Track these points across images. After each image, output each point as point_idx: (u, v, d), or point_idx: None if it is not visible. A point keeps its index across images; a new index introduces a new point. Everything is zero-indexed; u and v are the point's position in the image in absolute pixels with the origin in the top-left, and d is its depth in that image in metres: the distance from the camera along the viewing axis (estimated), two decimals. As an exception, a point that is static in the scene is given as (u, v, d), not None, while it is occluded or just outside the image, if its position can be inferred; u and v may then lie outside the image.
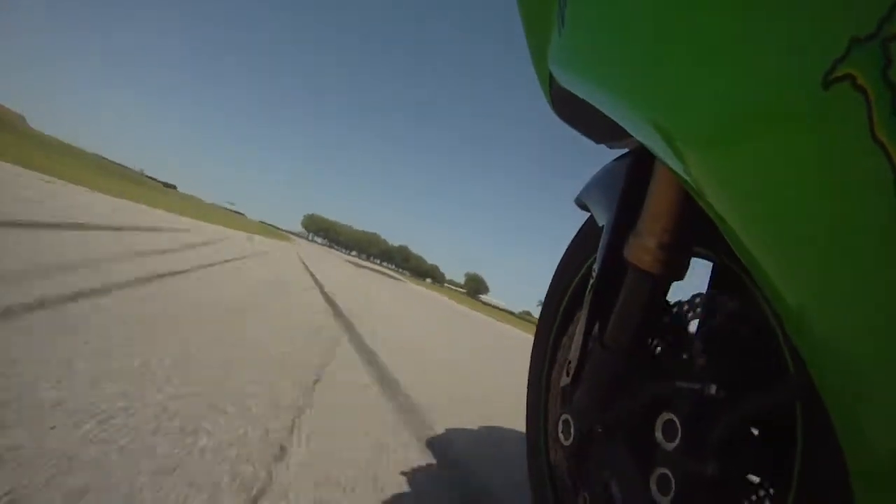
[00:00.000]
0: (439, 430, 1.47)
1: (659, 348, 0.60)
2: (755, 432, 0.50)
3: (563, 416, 0.65)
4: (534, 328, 0.99)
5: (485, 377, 3.11)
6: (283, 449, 0.95)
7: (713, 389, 0.47)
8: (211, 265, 3.30)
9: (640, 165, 0.65)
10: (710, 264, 0.59)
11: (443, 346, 3.94)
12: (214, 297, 2.22)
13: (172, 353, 1.24)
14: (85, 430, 0.75)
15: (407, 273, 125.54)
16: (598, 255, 0.66)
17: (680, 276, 0.55)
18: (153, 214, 5.98)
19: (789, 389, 0.44)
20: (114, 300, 1.51)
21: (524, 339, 9.43)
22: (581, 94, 0.55)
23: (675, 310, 0.61)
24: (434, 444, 1.33)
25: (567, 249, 0.90)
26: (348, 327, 2.83)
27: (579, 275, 0.84)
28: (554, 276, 0.91)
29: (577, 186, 0.84)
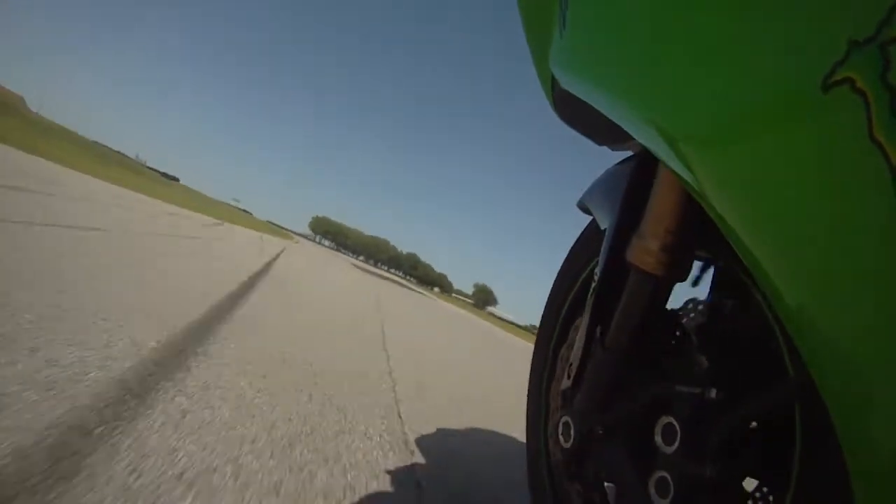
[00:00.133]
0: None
1: (660, 351, 0.60)
2: (754, 434, 0.49)
3: (564, 418, 0.66)
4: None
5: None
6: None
7: (713, 393, 0.47)
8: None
9: (642, 169, 0.65)
10: (712, 268, 0.59)
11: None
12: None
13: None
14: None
15: (414, 280, 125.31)
16: (601, 257, 0.66)
17: (682, 278, 0.54)
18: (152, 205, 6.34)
19: (788, 391, 0.44)
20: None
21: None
22: (582, 96, 0.55)
23: (676, 312, 0.60)
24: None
25: (569, 253, 0.90)
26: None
27: (581, 278, 0.84)
28: (556, 280, 0.91)
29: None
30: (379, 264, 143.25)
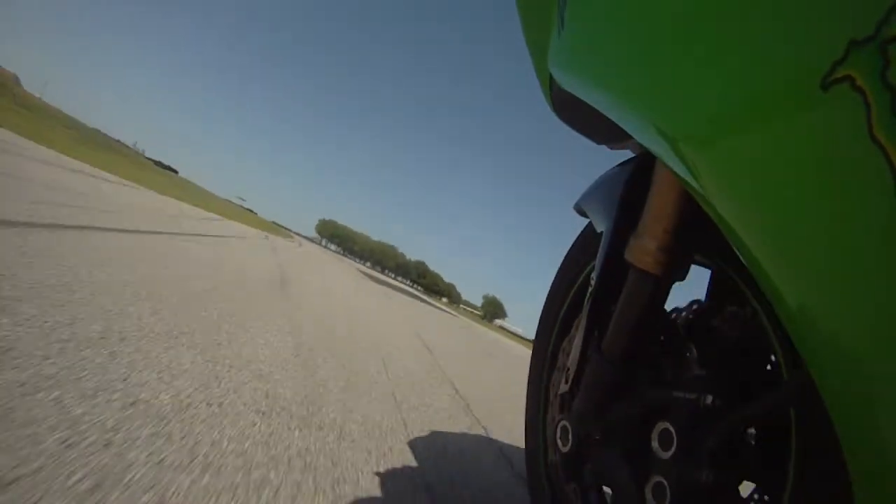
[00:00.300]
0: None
1: (657, 356, 0.60)
2: (750, 439, 0.49)
3: (562, 423, 0.66)
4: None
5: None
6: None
7: (709, 399, 0.47)
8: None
9: (639, 171, 0.65)
10: (708, 272, 0.59)
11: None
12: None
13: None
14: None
15: (420, 289, 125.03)
16: (598, 259, 0.66)
17: (681, 278, 0.54)
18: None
19: (783, 396, 0.43)
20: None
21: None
22: (581, 96, 0.54)
23: (672, 317, 0.60)
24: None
25: (565, 257, 0.90)
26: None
27: (578, 282, 0.84)
28: (552, 284, 0.91)
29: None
30: (386, 271, 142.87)
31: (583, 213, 0.80)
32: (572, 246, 0.88)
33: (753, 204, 0.33)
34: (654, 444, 0.50)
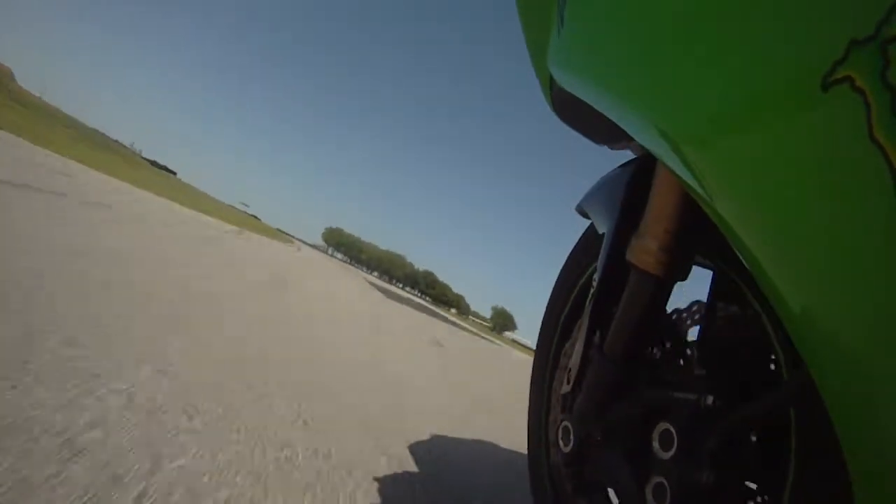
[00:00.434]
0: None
1: (658, 356, 0.60)
2: (750, 439, 0.49)
3: (563, 423, 0.66)
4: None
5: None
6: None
7: (709, 400, 0.47)
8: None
9: (640, 172, 0.65)
10: (710, 273, 0.59)
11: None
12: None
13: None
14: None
15: (428, 299, 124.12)
16: (600, 261, 0.66)
17: (682, 278, 0.54)
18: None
19: (784, 396, 0.43)
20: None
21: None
22: (580, 95, 0.54)
23: (673, 318, 0.60)
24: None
25: (567, 259, 0.90)
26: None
27: (580, 284, 0.84)
28: (555, 286, 0.92)
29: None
30: (394, 281, 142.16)
31: (585, 215, 0.80)
32: (574, 248, 0.89)
33: (753, 204, 0.33)
34: (655, 444, 0.50)
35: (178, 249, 3.20)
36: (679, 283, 0.55)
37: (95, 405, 0.81)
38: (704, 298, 0.59)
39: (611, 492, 0.66)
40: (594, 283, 0.66)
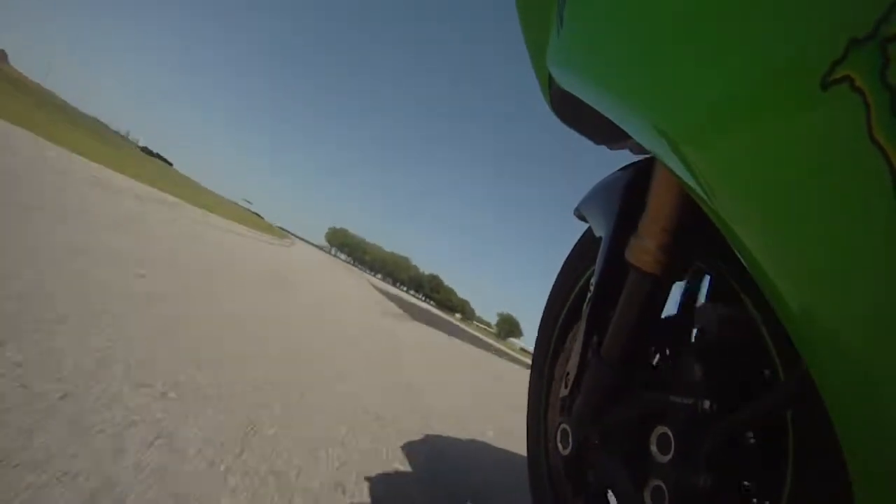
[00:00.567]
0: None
1: (655, 360, 0.60)
2: (748, 442, 0.49)
3: (562, 426, 0.66)
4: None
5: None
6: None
7: (706, 404, 0.47)
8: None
9: (639, 175, 0.65)
10: (706, 277, 0.59)
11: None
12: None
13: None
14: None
15: (432, 303, 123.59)
16: (598, 263, 0.66)
17: (681, 277, 0.54)
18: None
19: (780, 399, 0.43)
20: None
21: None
22: (580, 95, 0.54)
23: (670, 321, 0.60)
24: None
25: (565, 263, 0.90)
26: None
27: (577, 287, 0.84)
28: (552, 290, 0.92)
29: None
30: (398, 284, 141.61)
31: (583, 218, 0.80)
32: (571, 251, 0.89)
33: (752, 204, 0.33)
34: (653, 448, 0.51)
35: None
36: (678, 282, 0.55)
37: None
38: (701, 302, 0.59)
39: (610, 494, 0.66)
40: (592, 287, 0.66)
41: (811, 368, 0.31)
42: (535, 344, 0.95)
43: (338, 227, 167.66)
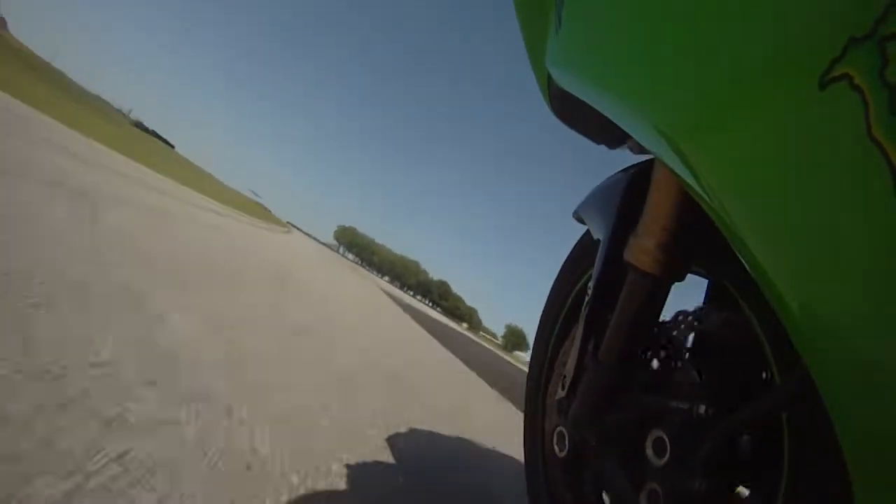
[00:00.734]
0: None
1: (652, 363, 0.60)
2: (743, 445, 0.49)
3: (559, 429, 0.66)
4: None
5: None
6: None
7: (702, 408, 0.47)
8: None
9: (637, 178, 0.65)
10: (704, 283, 0.59)
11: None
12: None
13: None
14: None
15: (439, 309, 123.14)
16: (596, 265, 0.66)
17: (680, 277, 0.54)
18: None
19: (776, 402, 0.43)
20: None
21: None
22: (579, 95, 0.54)
23: (667, 325, 0.60)
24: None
25: (563, 266, 0.90)
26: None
27: (575, 290, 0.84)
28: (550, 293, 0.92)
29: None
30: (405, 288, 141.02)
31: (582, 221, 0.80)
32: (570, 254, 0.89)
33: (752, 202, 0.33)
34: (649, 451, 0.50)
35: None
36: (673, 293, 0.55)
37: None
38: (698, 307, 0.58)
39: (606, 497, 0.65)
40: (590, 289, 0.66)
41: (811, 369, 0.31)
42: (533, 346, 0.95)
43: (347, 225, 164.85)
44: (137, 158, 6.08)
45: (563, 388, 0.67)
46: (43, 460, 0.52)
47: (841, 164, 0.28)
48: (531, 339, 1.02)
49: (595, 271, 0.66)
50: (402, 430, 1.39)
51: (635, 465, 0.52)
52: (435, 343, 5.63)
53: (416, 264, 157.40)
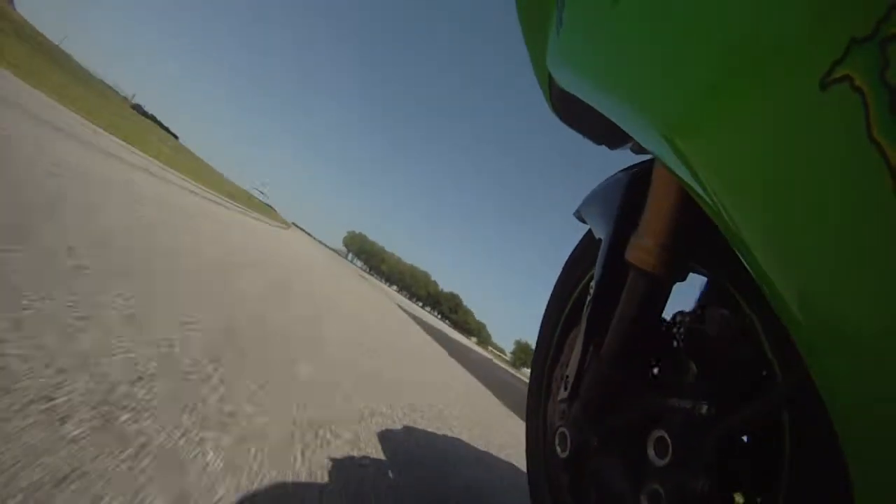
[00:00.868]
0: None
1: (654, 364, 0.60)
2: (745, 445, 0.49)
3: (561, 429, 0.66)
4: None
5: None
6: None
7: (704, 408, 0.47)
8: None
9: (638, 177, 0.65)
10: (704, 282, 0.59)
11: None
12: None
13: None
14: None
15: (449, 322, 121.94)
16: (598, 265, 0.66)
17: (681, 277, 0.54)
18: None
19: (777, 401, 0.43)
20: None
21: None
22: (580, 95, 0.54)
23: (668, 325, 0.60)
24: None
25: (565, 266, 0.90)
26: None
27: (577, 290, 0.84)
28: (552, 293, 0.92)
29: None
30: (414, 299, 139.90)
31: (583, 221, 0.80)
32: (571, 254, 0.89)
33: (752, 203, 0.33)
34: (650, 451, 0.50)
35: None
36: (678, 282, 0.55)
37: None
38: (699, 307, 0.58)
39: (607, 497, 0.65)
40: (592, 289, 0.66)
41: (811, 369, 0.31)
42: (535, 346, 0.95)
43: (357, 231, 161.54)
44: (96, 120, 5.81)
45: (565, 389, 0.67)
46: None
47: (841, 165, 0.28)
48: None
49: (597, 271, 0.66)
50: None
51: (637, 465, 0.52)
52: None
53: (426, 275, 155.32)
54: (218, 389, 0.89)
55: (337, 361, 1.76)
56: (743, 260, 0.35)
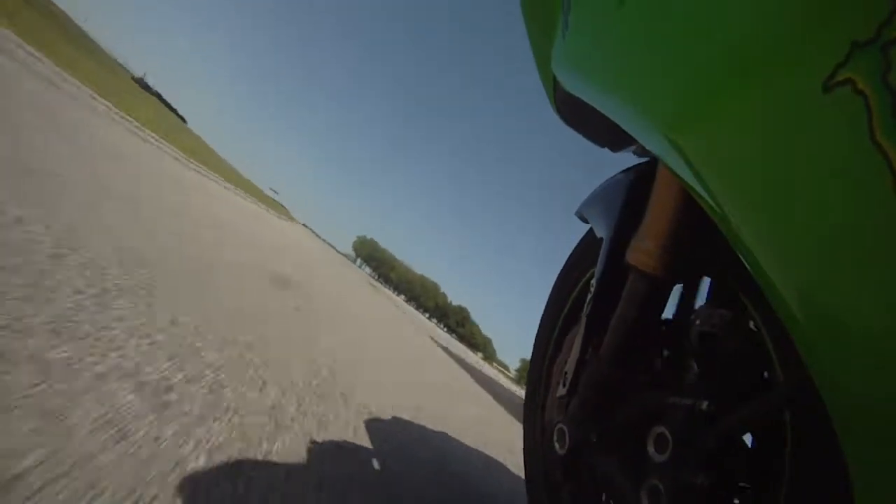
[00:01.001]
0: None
1: (654, 361, 0.60)
2: (746, 442, 0.49)
3: (559, 426, 0.66)
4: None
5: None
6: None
7: (704, 405, 0.47)
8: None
9: (641, 177, 0.65)
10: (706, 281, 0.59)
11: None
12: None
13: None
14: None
15: (455, 336, 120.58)
16: (598, 264, 0.66)
17: (682, 279, 0.54)
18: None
19: (778, 399, 0.43)
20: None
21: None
22: (584, 98, 0.55)
23: (668, 323, 0.60)
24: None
25: (565, 264, 0.90)
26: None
27: (577, 288, 0.84)
28: (552, 290, 0.92)
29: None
30: (421, 309, 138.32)
31: (585, 220, 0.80)
32: (572, 253, 0.89)
33: (754, 205, 0.34)
34: (650, 447, 0.50)
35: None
36: (678, 284, 0.56)
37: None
38: (700, 304, 0.59)
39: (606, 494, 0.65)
40: (592, 287, 0.66)
41: (812, 368, 0.31)
42: (534, 344, 0.95)
43: (368, 237, 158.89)
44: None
45: (563, 386, 0.67)
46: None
47: (843, 168, 0.29)
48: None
49: (597, 270, 0.66)
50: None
51: (636, 461, 0.52)
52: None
53: (436, 286, 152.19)
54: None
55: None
56: (745, 261, 0.35)
